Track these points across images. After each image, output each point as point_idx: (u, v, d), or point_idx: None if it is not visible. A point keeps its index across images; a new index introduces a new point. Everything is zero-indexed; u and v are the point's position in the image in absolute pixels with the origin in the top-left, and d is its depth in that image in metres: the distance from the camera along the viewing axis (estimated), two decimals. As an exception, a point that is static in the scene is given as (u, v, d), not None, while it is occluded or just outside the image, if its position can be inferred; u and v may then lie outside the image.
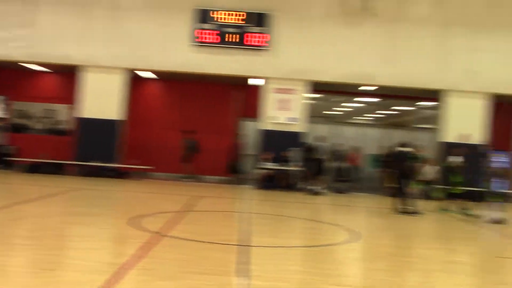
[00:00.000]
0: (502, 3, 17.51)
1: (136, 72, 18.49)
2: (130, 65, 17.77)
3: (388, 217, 12.25)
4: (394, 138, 19.51)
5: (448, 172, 14.08)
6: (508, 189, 18.71)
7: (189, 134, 18.80)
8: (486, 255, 8.57)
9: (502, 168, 15.50)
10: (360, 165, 18.63)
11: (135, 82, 19.06)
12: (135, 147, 18.97)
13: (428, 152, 14.98)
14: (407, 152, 12.88)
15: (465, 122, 17.54)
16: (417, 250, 8.54)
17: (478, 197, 15.50)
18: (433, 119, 20.27)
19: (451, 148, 14.98)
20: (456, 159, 13.87)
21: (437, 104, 18.70)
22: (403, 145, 13.15)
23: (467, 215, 12.71)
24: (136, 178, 17.75)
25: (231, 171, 18.80)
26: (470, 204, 13.24)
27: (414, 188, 13.84)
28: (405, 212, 12.31)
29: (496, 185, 14.12)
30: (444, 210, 13.36)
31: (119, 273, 5.34)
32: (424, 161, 14.19)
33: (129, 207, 11.71)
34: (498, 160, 19.74)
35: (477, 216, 12.53)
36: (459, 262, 7.65)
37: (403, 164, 12.73)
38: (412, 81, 17.49)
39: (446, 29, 17.41)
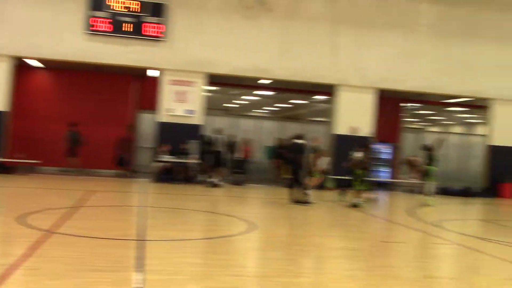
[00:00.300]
0: (388, 4, 18.61)
1: (25, 60, 17.32)
2: (16, 52, 16.60)
3: (284, 207, 12.59)
4: (289, 130, 20.12)
5: (352, 165, 14.74)
6: (392, 178, 20.10)
7: (72, 126, 17.93)
8: (373, 240, 9.10)
9: (387, 159, 16.57)
10: (252, 156, 18.89)
11: (23, 71, 17.85)
12: (22, 140, 17.79)
13: (322, 143, 15.61)
14: (302, 144, 13.31)
15: (355, 115, 18.47)
16: (311, 238, 8.86)
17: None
18: (326, 113, 21.14)
19: (356, 142, 15.61)
20: (359, 154, 14.61)
21: (329, 98, 19.51)
22: (298, 137, 13.56)
23: (358, 203, 13.37)
24: (23, 173, 16.66)
25: (119, 164, 18.18)
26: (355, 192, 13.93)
27: (312, 178, 14.40)
28: (300, 202, 12.73)
29: (381, 175, 15.07)
30: (341, 199, 14.00)
31: (4, 274, 4.97)
32: (319, 152, 14.74)
33: (16, 203, 10.95)
34: (384, 151, 21.17)
35: (366, 203, 13.27)
36: (348, 248, 8.05)
37: (298, 155, 13.13)
38: (306, 75, 18.09)
39: (336, 26, 18.18)
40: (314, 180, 14.68)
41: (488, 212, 15.69)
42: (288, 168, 14.21)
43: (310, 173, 14.16)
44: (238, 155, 18.12)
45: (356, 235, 9.57)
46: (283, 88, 21.09)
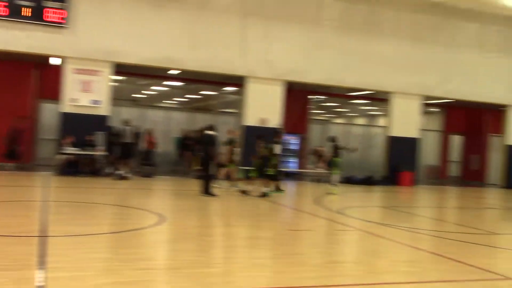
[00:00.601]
0: (295, -2, 19.08)
1: None
2: None
3: (194, 199, 12.55)
4: (200, 121, 20.09)
5: (269, 156, 14.99)
6: (300, 168, 20.69)
7: None
8: (281, 228, 9.34)
9: (295, 149, 17.03)
10: (156, 147, 18.54)
11: None
12: None
13: (235, 135, 15.68)
14: (213, 135, 13.30)
15: (264, 107, 18.77)
16: (221, 229, 8.93)
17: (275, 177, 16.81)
18: (236, 104, 21.30)
19: (274, 134, 15.86)
20: (276, 145, 14.93)
21: (239, 90, 19.66)
22: (209, 128, 13.53)
23: (267, 193, 13.63)
24: None
25: (10, 156, 17.07)
26: (265, 182, 14.21)
27: (226, 170, 14.52)
28: (210, 194, 12.75)
29: (289, 165, 15.48)
30: (240, 189, 14.24)
31: None
32: (232, 144, 14.83)
33: None
34: (292, 142, 21.75)
35: (272, 192, 13.59)
36: (257, 237, 8.21)
37: (209, 147, 13.11)
38: (216, 66, 18.08)
39: (245, 18, 18.33)
40: (228, 172, 14.83)
41: (387, 199, 16.65)
42: (199, 159, 14.16)
43: (223, 165, 14.25)
44: (141, 146, 17.73)
45: (265, 224, 9.77)
46: (193, 79, 20.96)
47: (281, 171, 14.59)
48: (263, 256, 6.86)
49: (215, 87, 22.38)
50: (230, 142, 14.71)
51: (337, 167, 15.32)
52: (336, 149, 15.34)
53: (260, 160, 13.82)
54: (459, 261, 6.97)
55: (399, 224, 10.29)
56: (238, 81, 19.32)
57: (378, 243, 8.33)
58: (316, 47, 19.17)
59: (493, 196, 20.06)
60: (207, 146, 13.12)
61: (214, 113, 22.23)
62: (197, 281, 5.32)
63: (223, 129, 21.66)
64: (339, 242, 8.55)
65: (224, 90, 22.77)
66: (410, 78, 20.55)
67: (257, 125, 18.42)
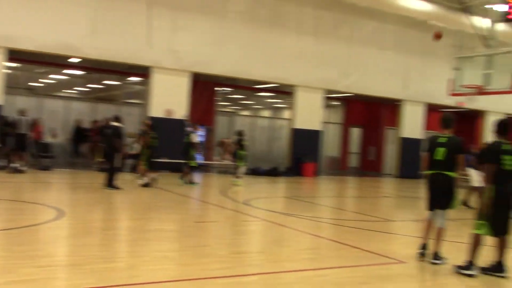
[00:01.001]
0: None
1: None
2: None
3: (97, 192, 12.13)
4: (103, 112, 19.43)
5: (187, 147, 14.88)
6: (206, 160, 20.69)
7: None
8: (187, 221, 9.31)
9: (201, 141, 17.00)
10: (43, 137, 17.56)
11: None
12: None
13: (139, 127, 15.32)
14: (118, 127, 12.90)
15: (170, 98, 18.51)
16: (125, 222, 8.72)
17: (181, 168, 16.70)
18: (141, 95, 20.83)
19: (190, 125, 15.73)
20: (194, 136, 14.87)
21: (144, 80, 19.22)
22: (114, 120, 13.10)
23: (148, 183, 13.51)
24: None
25: None
26: (169, 174, 14.12)
27: (139, 162, 14.21)
28: (115, 186, 12.39)
29: (196, 157, 15.42)
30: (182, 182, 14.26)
31: None
32: (145, 135, 14.47)
33: None
34: (199, 134, 21.64)
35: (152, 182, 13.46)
36: (163, 230, 8.12)
37: (114, 139, 12.69)
38: (120, 56, 17.50)
39: (151, 7, 17.90)
40: (139, 164, 14.52)
41: (291, 189, 17.13)
42: (102, 151, 13.68)
43: (131, 156, 13.88)
44: (30, 136, 16.57)
45: (171, 216, 9.68)
46: (95, 68, 20.18)
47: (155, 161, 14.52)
48: (169, 249, 6.80)
49: (119, 77, 21.71)
50: (144, 134, 14.42)
51: (242, 160, 15.54)
52: (241, 143, 15.58)
53: (149, 150, 13.67)
54: (357, 247, 7.35)
55: (301, 213, 10.64)
56: (143, 71, 18.89)
57: (281, 233, 8.56)
58: (223, 39, 19.20)
59: (388, 186, 21.34)
60: (112, 138, 12.70)
61: (118, 103, 21.57)
62: (99, 277, 5.16)
63: (128, 120, 21.15)
64: (244, 233, 8.68)
65: (128, 80, 22.17)
66: (313, 72, 21.23)
67: (163, 116, 18.14)
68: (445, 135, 6.81)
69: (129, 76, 21.76)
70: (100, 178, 12.93)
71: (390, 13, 21.64)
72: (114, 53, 17.36)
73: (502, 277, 6.11)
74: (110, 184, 12.37)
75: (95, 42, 17.00)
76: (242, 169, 15.56)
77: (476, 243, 6.16)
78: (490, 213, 6.08)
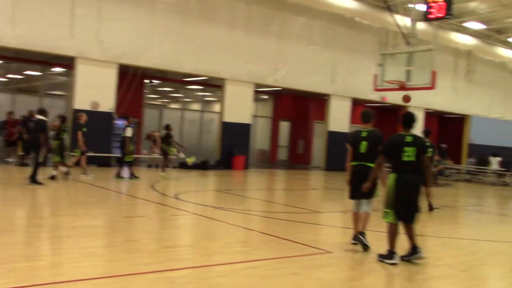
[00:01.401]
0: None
1: None
2: None
3: (19, 188, 11.55)
4: (23, 104, 18.51)
5: (124, 142, 14.59)
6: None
7: None
8: (115, 216, 9.06)
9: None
10: None
11: None
12: None
13: (82, 119, 14.59)
14: (44, 120, 12.30)
15: (95, 90, 17.90)
16: (50, 219, 8.37)
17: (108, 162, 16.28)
18: (66, 86, 20.02)
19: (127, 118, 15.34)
20: (129, 130, 14.47)
21: (69, 71, 18.47)
22: (40, 113, 12.47)
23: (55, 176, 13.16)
24: None
25: None
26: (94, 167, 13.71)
27: (77, 157, 13.70)
28: (37, 182, 11.84)
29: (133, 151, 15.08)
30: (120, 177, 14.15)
31: None
32: (80, 129, 13.90)
33: None
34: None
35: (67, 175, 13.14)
36: (90, 226, 7.86)
37: (39, 133, 12.07)
38: (41, 45, 16.67)
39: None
40: (78, 159, 14.06)
41: (221, 183, 17.13)
42: (24, 145, 13.05)
43: (53, 151, 13.31)
44: None
45: (98, 212, 9.40)
46: (14, 57, 19.18)
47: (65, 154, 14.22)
48: (96, 245, 6.60)
49: (40, 67, 20.72)
50: (79, 127, 13.94)
51: (171, 153, 15.43)
52: (169, 137, 15.47)
53: (58, 142, 13.29)
54: (286, 239, 7.47)
55: (232, 206, 10.67)
56: (67, 62, 18.14)
57: (212, 226, 8.54)
58: (151, 30, 18.77)
59: (316, 178, 21.86)
60: (36, 131, 12.09)
61: (40, 95, 20.60)
62: (21, 276, 4.92)
63: (51, 113, 20.26)
64: (174, 227, 8.58)
65: (51, 71, 21.23)
66: (243, 66, 21.28)
67: (88, 109, 17.54)
68: (366, 129, 7.25)
69: (52, 67, 20.84)
70: (19, 173, 12.31)
71: (319, 9, 22.09)
72: (35, 42, 16.50)
73: (420, 258, 6.43)
74: (33, 179, 11.80)
75: (13, 30, 16.10)
76: (171, 161, 15.43)
77: (391, 232, 6.48)
78: (392, 201, 6.44)
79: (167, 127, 15.74)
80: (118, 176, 14.42)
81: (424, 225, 9.74)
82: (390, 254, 6.37)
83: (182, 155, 15.41)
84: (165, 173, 15.50)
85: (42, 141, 11.94)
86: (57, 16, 16.86)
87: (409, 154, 6.39)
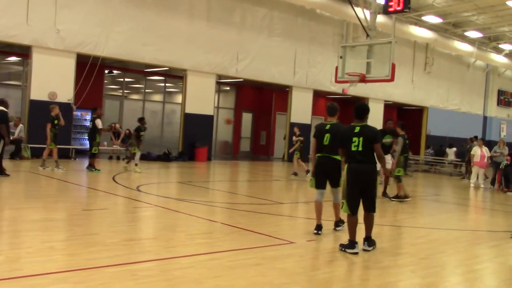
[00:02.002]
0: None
1: None
2: None
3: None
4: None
5: (92, 133, 14.55)
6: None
7: None
8: (74, 209, 8.86)
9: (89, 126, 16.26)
10: None
11: None
12: None
13: (55, 112, 14.17)
14: (4, 111, 11.87)
15: (53, 80, 17.46)
16: (4, 212, 8.12)
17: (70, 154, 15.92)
18: (21, 76, 19.42)
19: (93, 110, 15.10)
20: (98, 121, 14.22)
21: (25, 60, 17.92)
22: (0, 103, 12.06)
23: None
24: None
25: None
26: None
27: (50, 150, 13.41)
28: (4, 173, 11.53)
29: (83, 142, 14.82)
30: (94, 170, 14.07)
31: None
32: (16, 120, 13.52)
33: None
34: (86, 118, 20.73)
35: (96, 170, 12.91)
36: (49, 219, 7.68)
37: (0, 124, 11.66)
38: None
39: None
40: (51, 151, 13.82)
41: (184, 174, 17.01)
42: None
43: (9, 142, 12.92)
44: None
45: (57, 205, 9.18)
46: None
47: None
48: (55, 239, 6.45)
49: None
50: (50, 120, 13.66)
51: (134, 145, 15.31)
52: (140, 132, 15.30)
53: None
54: (250, 230, 7.49)
55: (194, 198, 10.62)
56: (22, 51, 17.57)
57: (174, 218, 8.48)
58: (110, 19, 18.38)
59: (278, 169, 21.97)
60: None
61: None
62: (-24, 272, 4.76)
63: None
64: (136, 220, 8.48)
65: (5, 60, 20.54)
66: (205, 56, 21.13)
67: (45, 99, 17.09)
68: (330, 122, 7.53)
69: (8, 56, 20.16)
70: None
71: (280, 1, 22.12)
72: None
73: (373, 249, 6.64)
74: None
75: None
76: (135, 154, 15.22)
77: (349, 221, 6.64)
78: (345, 191, 6.66)
79: (141, 121, 15.56)
80: (91, 168, 14.24)
81: (384, 215, 9.96)
82: (351, 243, 6.48)
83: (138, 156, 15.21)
84: (128, 165, 15.38)
85: (3, 132, 11.58)
86: (11, 2, 16.32)
87: (356, 144, 6.54)
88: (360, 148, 6.52)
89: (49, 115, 13.90)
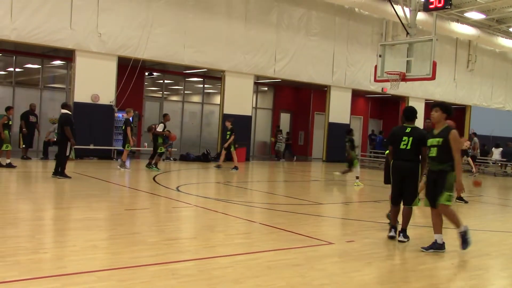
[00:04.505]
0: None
1: None
2: None
3: (24, 180, 11.57)
4: (22, 97, 18.51)
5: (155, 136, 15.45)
6: (136, 146, 20.18)
7: None
8: (117, 208, 9.07)
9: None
10: None
11: None
12: None
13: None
14: (67, 114, 12.39)
15: (95, 83, 17.90)
16: (51, 212, 8.37)
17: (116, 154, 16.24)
18: (65, 79, 19.96)
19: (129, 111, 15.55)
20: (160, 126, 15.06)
21: (69, 64, 18.42)
22: (63, 107, 12.60)
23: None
24: None
25: None
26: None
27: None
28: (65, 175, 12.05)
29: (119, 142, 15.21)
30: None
31: None
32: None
33: None
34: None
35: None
36: (92, 218, 7.87)
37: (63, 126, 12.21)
38: (40, 38, 16.63)
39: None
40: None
41: (222, 175, 17.13)
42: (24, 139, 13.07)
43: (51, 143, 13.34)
44: None
45: (100, 205, 9.41)
46: (13, 50, 19.13)
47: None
48: (98, 238, 6.61)
49: (39, 60, 20.65)
50: (127, 123, 14.41)
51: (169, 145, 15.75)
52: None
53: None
54: (288, 231, 7.48)
55: (233, 198, 10.68)
56: (66, 55, 18.07)
57: (213, 218, 8.55)
58: (150, 22, 18.70)
59: (317, 169, 21.85)
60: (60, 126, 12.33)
61: (39, 88, 20.55)
62: (24, 269, 4.93)
63: (51, 106, 20.27)
64: (176, 219, 8.60)
65: (50, 64, 21.17)
66: (243, 57, 21.23)
67: (88, 101, 17.55)
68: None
69: (52, 60, 20.79)
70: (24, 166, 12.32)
71: (317, 0, 21.99)
72: (34, 35, 16.47)
73: (407, 240, 7.09)
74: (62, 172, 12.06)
75: (13, 23, 16.07)
76: (170, 153, 15.48)
77: (391, 210, 7.41)
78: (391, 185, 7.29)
79: (164, 117, 15.93)
80: (153, 165, 15.13)
81: (427, 215, 9.75)
82: (390, 227, 7.31)
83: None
84: (158, 167, 15.76)
85: (69, 134, 12.11)
86: (55, 8, 16.81)
87: (405, 142, 7.00)
88: (408, 147, 6.99)
89: (126, 119, 14.61)
